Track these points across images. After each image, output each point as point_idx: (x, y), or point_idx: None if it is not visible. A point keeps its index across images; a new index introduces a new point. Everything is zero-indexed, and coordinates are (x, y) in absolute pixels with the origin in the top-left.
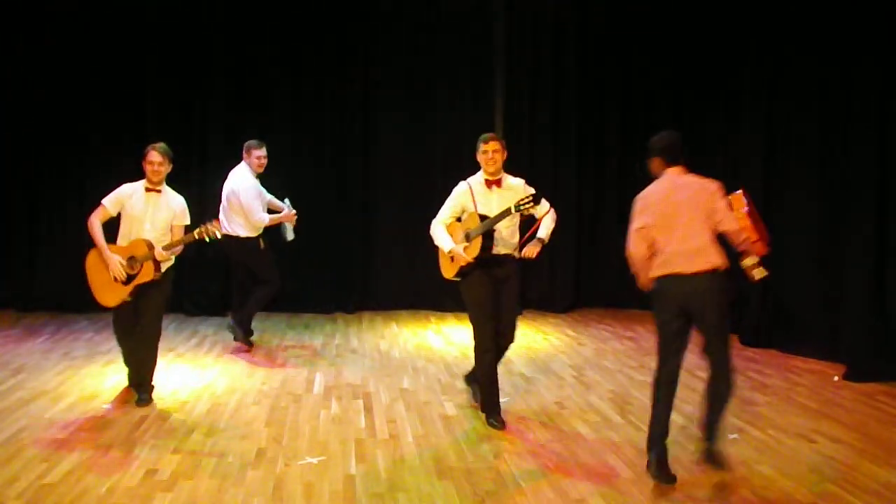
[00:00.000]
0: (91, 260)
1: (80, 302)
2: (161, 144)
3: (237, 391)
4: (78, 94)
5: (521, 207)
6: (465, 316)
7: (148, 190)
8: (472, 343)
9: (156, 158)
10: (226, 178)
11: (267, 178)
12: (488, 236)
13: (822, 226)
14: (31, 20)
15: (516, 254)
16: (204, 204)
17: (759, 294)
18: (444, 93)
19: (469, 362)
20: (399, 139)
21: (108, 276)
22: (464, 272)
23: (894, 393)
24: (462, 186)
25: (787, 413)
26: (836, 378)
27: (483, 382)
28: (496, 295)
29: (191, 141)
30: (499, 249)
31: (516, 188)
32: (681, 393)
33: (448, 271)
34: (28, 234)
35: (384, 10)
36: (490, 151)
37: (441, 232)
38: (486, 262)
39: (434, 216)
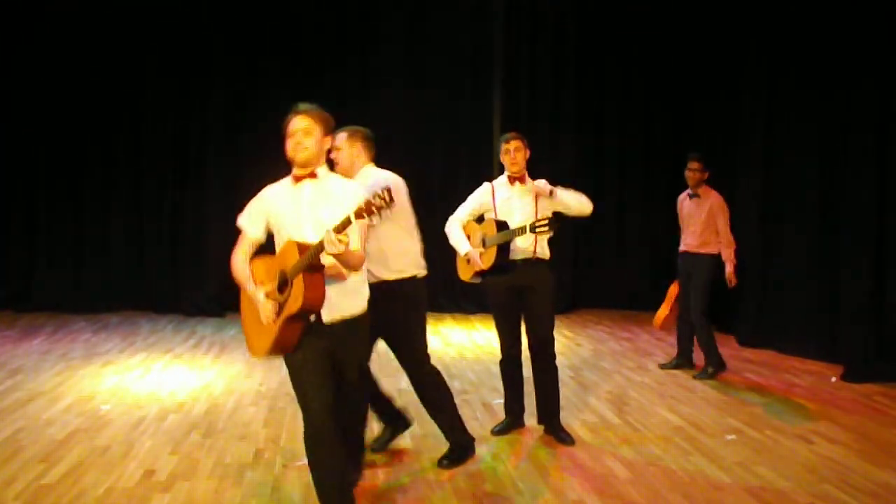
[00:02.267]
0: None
1: (78, 303)
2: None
3: (235, 392)
4: (76, 97)
5: (538, 229)
6: (463, 317)
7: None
8: (470, 344)
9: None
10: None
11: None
12: (504, 247)
13: (820, 227)
14: (29, 24)
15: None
16: (202, 208)
17: (756, 295)
18: (442, 94)
19: (466, 364)
20: (397, 137)
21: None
22: (482, 276)
23: (892, 394)
24: (485, 186)
25: (784, 414)
26: (833, 379)
27: (504, 386)
28: (518, 302)
29: (188, 145)
30: (516, 256)
31: (538, 186)
32: (678, 393)
33: (465, 273)
34: (26, 234)
35: (382, 8)
36: (512, 150)
37: (457, 232)
38: (504, 268)
39: (432, 216)
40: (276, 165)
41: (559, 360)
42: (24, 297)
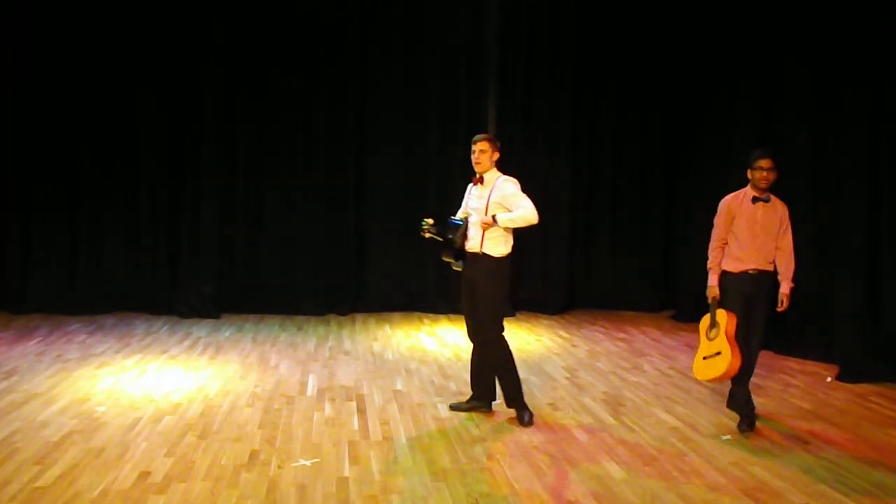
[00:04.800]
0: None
1: (73, 304)
2: None
3: (230, 393)
4: (72, 98)
5: (451, 239)
6: (459, 318)
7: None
8: (466, 345)
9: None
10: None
11: (262, 180)
12: (449, 239)
13: (815, 228)
14: (26, 28)
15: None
16: (198, 210)
17: None
18: (437, 93)
19: (462, 364)
20: (393, 140)
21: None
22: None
23: (887, 394)
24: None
25: (780, 414)
26: (829, 379)
27: None
28: (470, 292)
29: (185, 146)
30: (470, 249)
31: (500, 187)
32: (673, 394)
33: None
34: (21, 236)
35: (380, 9)
36: (477, 151)
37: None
38: (455, 257)
39: (429, 217)
40: (271, 166)
41: (554, 361)
42: (19, 298)
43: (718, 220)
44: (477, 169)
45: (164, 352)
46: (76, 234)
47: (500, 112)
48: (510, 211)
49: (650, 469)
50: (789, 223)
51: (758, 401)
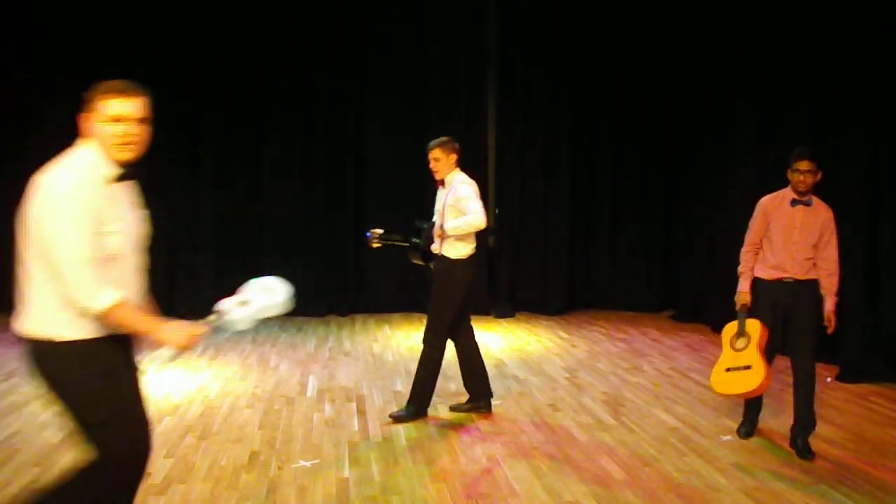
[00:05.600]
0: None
1: None
2: None
3: (230, 395)
4: (70, 98)
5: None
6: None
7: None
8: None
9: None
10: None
11: (262, 180)
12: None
13: None
14: (26, 28)
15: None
16: (197, 211)
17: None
18: (437, 93)
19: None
20: (392, 140)
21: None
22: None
23: (887, 394)
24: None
25: (780, 414)
26: (829, 379)
27: None
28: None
29: (183, 148)
30: (433, 248)
31: (455, 189)
32: (673, 394)
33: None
34: None
35: (380, 9)
36: (431, 160)
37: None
38: (426, 258)
39: (428, 217)
40: (269, 167)
41: (554, 362)
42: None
43: (753, 222)
44: (435, 176)
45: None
46: None
47: (500, 112)
48: (464, 213)
49: (650, 470)
50: (834, 231)
51: None
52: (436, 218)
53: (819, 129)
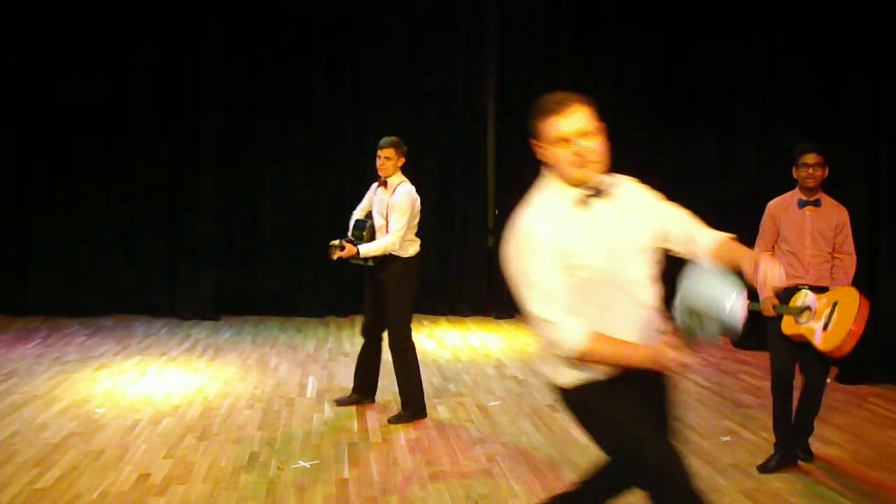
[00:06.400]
0: None
1: (72, 306)
2: None
3: (230, 395)
4: (70, 99)
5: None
6: (458, 320)
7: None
8: (464, 346)
9: None
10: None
11: (262, 180)
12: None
13: None
14: (26, 28)
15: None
16: (197, 212)
17: (751, 296)
18: (436, 93)
19: (461, 366)
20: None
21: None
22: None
23: (886, 395)
24: (373, 186)
25: None
26: (829, 380)
27: None
28: (372, 293)
29: (185, 151)
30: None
31: (396, 193)
32: (674, 395)
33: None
34: (20, 238)
35: (379, 7)
36: (382, 157)
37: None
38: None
39: (428, 217)
40: (268, 168)
41: None
42: (18, 300)
43: (762, 228)
44: (381, 174)
45: (164, 354)
46: (75, 237)
47: (500, 111)
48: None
49: None
50: (849, 231)
51: (757, 401)
52: (377, 218)
53: (819, 129)
